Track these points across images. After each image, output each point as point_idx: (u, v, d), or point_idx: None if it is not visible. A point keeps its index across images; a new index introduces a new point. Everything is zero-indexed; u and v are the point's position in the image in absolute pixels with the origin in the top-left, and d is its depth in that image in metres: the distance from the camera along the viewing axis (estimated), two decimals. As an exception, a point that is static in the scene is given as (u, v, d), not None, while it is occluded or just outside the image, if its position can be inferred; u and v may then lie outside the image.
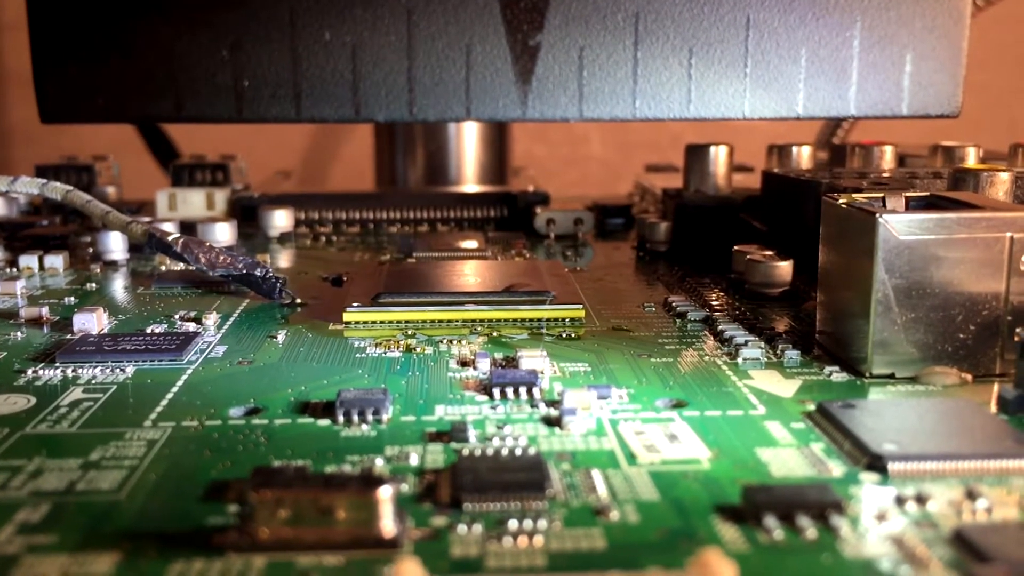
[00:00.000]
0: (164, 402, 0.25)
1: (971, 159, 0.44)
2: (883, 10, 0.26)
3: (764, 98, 0.26)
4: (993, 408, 0.24)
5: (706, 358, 0.29)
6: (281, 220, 0.48)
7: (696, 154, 0.44)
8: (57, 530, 0.18)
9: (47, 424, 0.24)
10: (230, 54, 0.24)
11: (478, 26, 0.24)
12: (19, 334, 0.32)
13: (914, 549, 0.17)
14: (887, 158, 0.44)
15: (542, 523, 0.19)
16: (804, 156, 0.45)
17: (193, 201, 0.50)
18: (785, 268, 0.36)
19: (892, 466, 0.21)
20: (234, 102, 0.25)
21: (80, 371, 0.28)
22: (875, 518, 0.19)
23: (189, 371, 0.28)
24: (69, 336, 0.31)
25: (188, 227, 0.45)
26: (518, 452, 0.21)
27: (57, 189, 0.40)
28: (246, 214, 0.49)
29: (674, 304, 0.34)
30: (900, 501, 0.19)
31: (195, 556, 0.17)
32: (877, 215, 0.26)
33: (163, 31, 0.24)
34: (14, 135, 0.91)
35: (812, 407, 0.25)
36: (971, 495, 0.20)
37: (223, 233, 0.44)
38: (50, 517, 0.19)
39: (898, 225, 0.26)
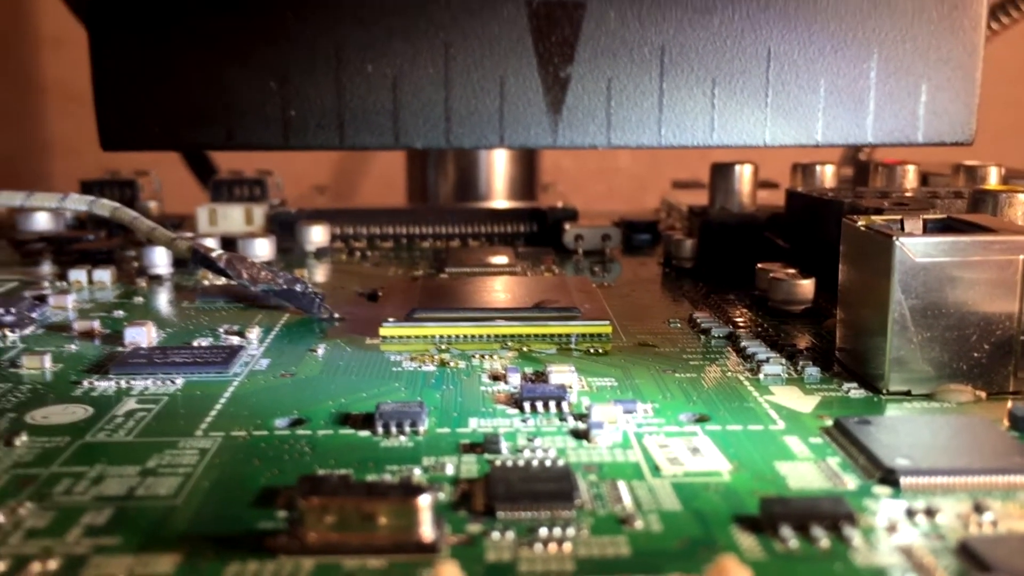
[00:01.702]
0: (213, 413, 0.27)
1: (993, 178, 0.45)
2: (899, 42, 0.27)
3: (784, 127, 0.27)
4: (1005, 425, 0.25)
5: (729, 374, 0.30)
6: (318, 235, 0.49)
7: (721, 172, 0.45)
8: (120, 532, 0.20)
9: (105, 433, 0.25)
10: (278, 86, 0.25)
11: (512, 59, 0.26)
12: (73, 346, 0.33)
13: (922, 559, 0.19)
14: (909, 177, 0.45)
15: (571, 531, 0.20)
16: (828, 175, 0.46)
17: (233, 216, 0.52)
18: (807, 286, 0.37)
19: (904, 480, 0.22)
20: (281, 131, 0.26)
21: (133, 382, 0.29)
22: (886, 529, 0.20)
23: (235, 383, 0.29)
24: (120, 348, 0.33)
25: (228, 242, 0.47)
26: (548, 463, 0.22)
27: (105, 206, 0.42)
28: (284, 229, 0.51)
29: (698, 320, 0.36)
30: (910, 513, 0.20)
31: (249, 558, 0.19)
32: (894, 238, 0.27)
33: (216, 64, 0.26)
34: (54, 147, 0.94)
35: (830, 422, 0.26)
36: (978, 508, 0.21)
37: (263, 248, 0.46)
38: (113, 520, 0.20)
39: (914, 248, 0.27)
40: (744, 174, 0.45)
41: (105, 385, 0.29)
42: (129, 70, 0.26)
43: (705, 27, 0.26)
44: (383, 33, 0.26)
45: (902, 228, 0.29)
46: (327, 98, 0.26)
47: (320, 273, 0.46)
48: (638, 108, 0.26)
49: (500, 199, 0.60)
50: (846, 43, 0.27)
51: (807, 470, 0.23)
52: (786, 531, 0.19)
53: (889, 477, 0.22)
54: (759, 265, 0.39)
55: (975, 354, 0.27)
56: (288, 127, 0.26)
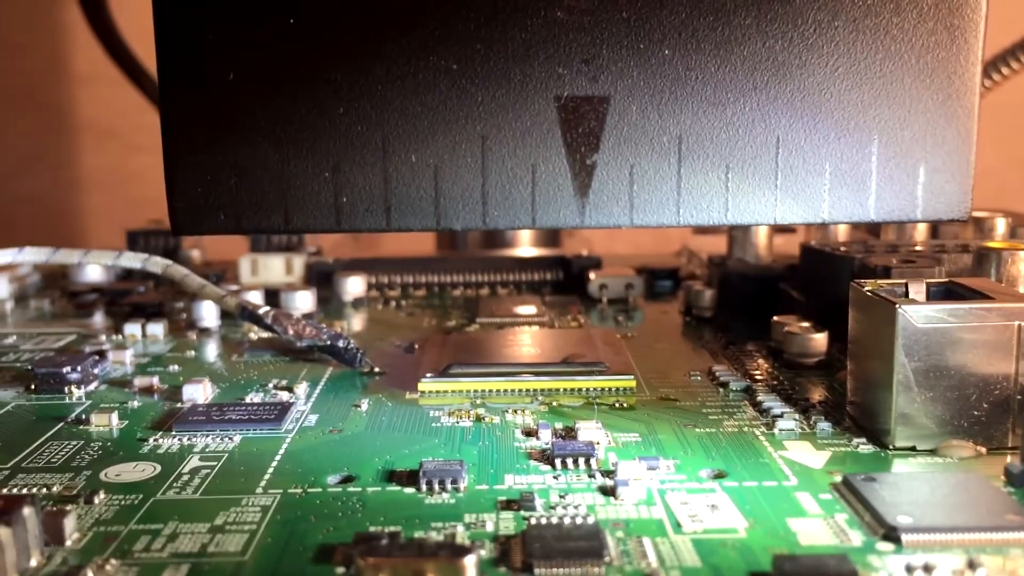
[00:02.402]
0: (271, 470, 0.29)
1: (1000, 228, 0.47)
2: (898, 129, 0.29)
3: (793, 206, 0.30)
4: (1001, 480, 0.27)
5: (745, 428, 0.32)
6: (355, 287, 0.52)
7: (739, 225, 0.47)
8: (198, 587, 0.22)
9: (174, 490, 0.28)
10: (331, 175, 0.28)
11: (542, 148, 0.28)
12: (135, 403, 0.36)
13: (918, 613, 0.21)
14: (919, 230, 0.47)
15: (601, 586, 0.22)
16: (841, 227, 0.48)
17: (273, 266, 0.55)
18: (820, 340, 0.39)
19: (905, 537, 0.24)
20: (334, 216, 0.29)
21: (194, 439, 0.32)
22: (886, 585, 0.22)
23: (287, 440, 0.32)
24: (179, 404, 0.35)
25: (271, 294, 0.50)
26: (579, 521, 0.25)
27: (158, 263, 0.44)
28: (321, 279, 0.54)
29: (717, 374, 0.38)
30: (910, 570, 0.22)
31: (314, 612, 0.21)
32: (898, 306, 0.29)
33: (275, 156, 0.28)
34: (86, 182, 0.96)
35: (839, 478, 0.28)
36: (972, 565, 0.23)
37: (304, 301, 0.49)
38: (190, 576, 0.23)
39: (916, 315, 0.29)
40: (761, 227, 0.47)
41: (169, 443, 0.31)
42: (198, 161, 0.29)
43: (719, 117, 0.29)
44: (425, 126, 0.28)
45: (907, 293, 0.31)
46: (375, 185, 0.28)
47: (357, 322, 0.49)
48: (658, 191, 0.29)
49: (526, 245, 0.62)
50: (849, 130, 0.29)
51: (817, 527, 0.25)
52: (795, 587, 0.22)
53: (892, 534, 0.24)
54: (775, 318, 0.41)
55: (975, 412, 0.29)
56: (340, 212, 0.29)
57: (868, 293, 0.31)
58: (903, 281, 0.32)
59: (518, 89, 0.28)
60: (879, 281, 0.32)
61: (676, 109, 0.28)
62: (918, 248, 0.43)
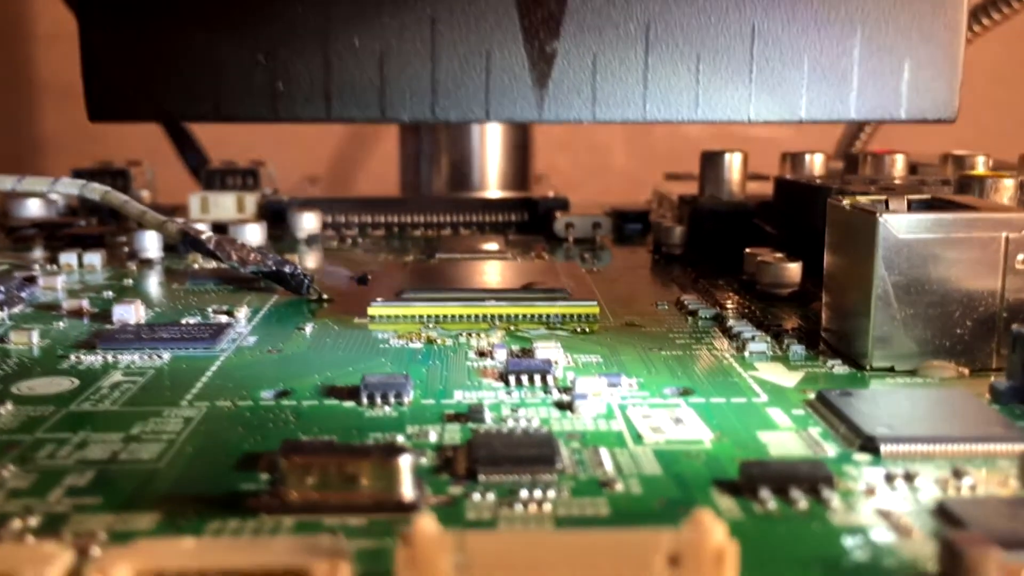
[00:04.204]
0: (199, 385, 0.27)
1: (980, 168, 0.45)
2: (882, 20, 0.27)
3: (768, 102, 0.28)
4: (986, 399, 0.26)
5: (715, 352, 0.30)
6: (309, 222, 0.49)
7: (711, 161, 0.45)
8: (102, 493, 0.20)
9: (90, 403, 0.25)
10: (266, 59, 0.26)
11: (497, 33, 0.26)
12: (61, 324, 0.33)
13: (899, 519, 0.19)
14: (898, 166, 0.45)
15: (551, 493, 0.20)
16: (817, 164, 0.46)
17: (224, 204, 0.52)
18: (794, 269, 0.37)
19: (884, 447, 0.22)
20: (269, 104, 0.26)
21: (120, 357, 0.29)
22: (864, 493, 0.20)
23: (222, 358, 0.29)
24: (109, 326, 0.33)
25: (219, 228, 0.47)
26: (531, 431, 0.23)
27: (96, 190, 0.42)
28: (275, 217, 0.51)
29: (686, 303, 0.36)
30: (889, 478, 0.21)
31: (229, 517, 0.19)
32: (878, 214, 0.27)
33: (204, 37, 0.26)
34: (48, 144, 0.93)
35: (813, 396, 0.26)
36: (957, 474, 0.21)
37: (253, 234, 0.46)
38: (95, 482, 0.20)
39: (897, 224, 0.27)
40: (734, 162, 0.45)
41: (92, 359, 0.29)
42: (117, 42, 0.26)
43: (690, 3, 0.26)
44: (370, 6, 0.26)
45: (887, 207, 0.29)
46: (315, 71, 0.26)
47: (311, 259, 0.46)
48: (623, 83, 0.26)
49: (493, 191, 0.60)
50: (830, 20, 0.27)
51: (788, 439, 0.23)
52: (765, 493, 0.20)
53: (869, 445, 0.22)
54: (747, 249, 0.39)
55: (958, 331, 0.28)
56: (276, 100, 0.26)
57: (846, 207, 0.29)
58: (883, 198, 0.30)
59: (472, -34, 0.26)
60: (858, 197, 0.30)
61: (644, -9, 0.26)
62: (897, 181, 0.41)
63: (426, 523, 0.16)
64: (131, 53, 0.26)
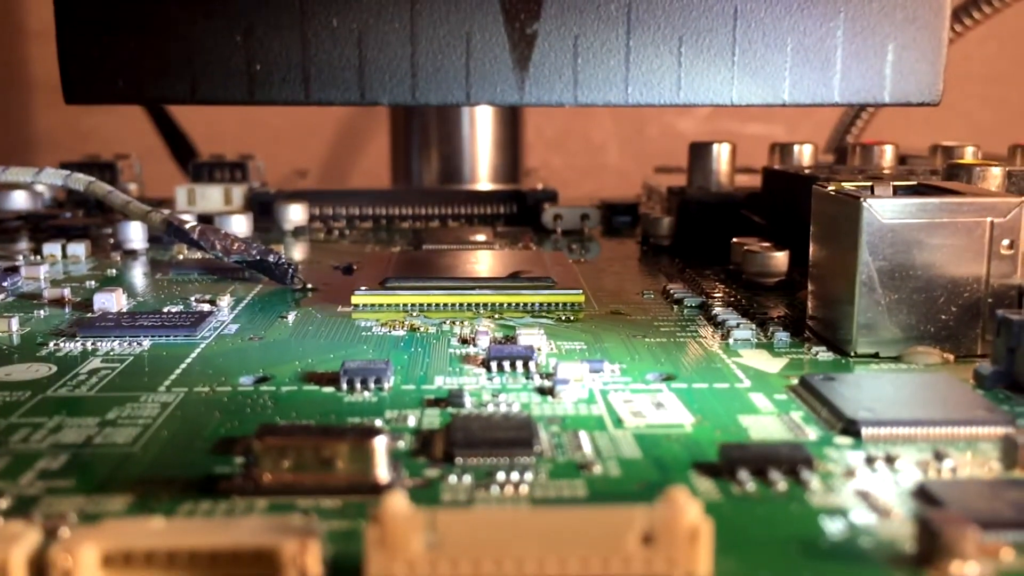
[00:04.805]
0: (178, 371, 0.27)
1: (969, 158, 0.45)
2: (866, 2, 0.27)
3: (751, 85, 0.27)
4: (970, 383, 0.25)
5: (699, 340, 0.30)
6: (296, 214, 0.49)
7: (699, 152, 0.45)
8: (74, 477, 0.20)
9: (67, 388, 0.25)
10: (243, 39, 0.25)
11: (478, 14, 0.26)
12: (42, 312, 0.33)
13: (878, 501, 0.18)
14: (887, 157, 0.45)
15: (528, 476, 0.20)
16: (805, 154, 0.46)
17: (211, 196, 0.52)
18: (781, 258, 0.37)
19: (865, 431, 0.22)
20: (246, 85, 0.26)
21: (99, 344, 0.29)
22: (844, 475, 0.20)
23: (202, 345, 0.29)
24: (90, 315, 0.32)
25: (206, 219, 0.47)
26: (510, 415, 0.22)
27: (80, 180, 0.41)
28: (262, 209, 0.51)
29: (672, 292, 0.35)
30: (870, 461, 0.20)
31: (203, 499, 0.19)
32: (862, 199, 0.27)
33: (180, 17, 0.25)
34: (39, 141, 0.93)
35: (796, 381, 0.26)
36: (938, 456, 0.20)
37: (239, 225, 0.46)
38: (68, 466, 0.20)
39: (882, 209, 0.27)
40: (722, 153, 0.45)
41: (71, 346, 0.29)
42: (93, 23, 0.26)
43: (672, -16, 0.26)
44: (349, -14, 0.26)
45: (872, 193, 0.29)
46: (292, 53, 0.26)
47: (297, 250, 0.46)
48: (605, 66, 0.26)
49: (484, 185, 0.60)
50: (812, 2, 0.27)
51: (770, 423, 0.23)
52: (744, 475, 0.19)
53: (851, 428, 0.22)
54: (734, 239, 0.39)
55: (943, 317, 0.27)
56: (253, 82, 0.26)
57: (831, 192, 0.29)
58: (868, 184, 0.30)
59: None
60: (843, 183, 0.30)
61: (625, -28, 0.25)
62: (886, 171, 0.40)
63: (396, 501, 0.15)
64: (108, 35, 0.26)
